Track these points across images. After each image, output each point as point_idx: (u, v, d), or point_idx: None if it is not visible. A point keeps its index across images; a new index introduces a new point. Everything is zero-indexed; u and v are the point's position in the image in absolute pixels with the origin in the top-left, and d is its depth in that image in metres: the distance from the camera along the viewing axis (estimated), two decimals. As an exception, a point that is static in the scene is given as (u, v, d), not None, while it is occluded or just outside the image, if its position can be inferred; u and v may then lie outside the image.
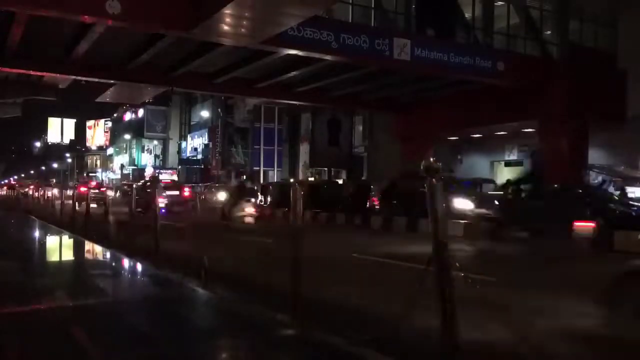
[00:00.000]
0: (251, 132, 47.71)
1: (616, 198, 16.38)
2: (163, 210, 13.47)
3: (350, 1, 20.45)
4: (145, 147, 65.71)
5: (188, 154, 57.64)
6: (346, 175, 37.77)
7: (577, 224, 12.81)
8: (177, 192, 24.87)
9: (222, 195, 35.89)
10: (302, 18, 16.23)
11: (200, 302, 6.13)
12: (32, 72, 24.34)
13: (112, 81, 26.28)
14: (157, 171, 59.59)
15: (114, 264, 9.29)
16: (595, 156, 22.97)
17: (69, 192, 18.37)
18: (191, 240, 9.12)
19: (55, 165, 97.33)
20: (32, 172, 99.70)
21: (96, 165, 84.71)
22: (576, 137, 22.53)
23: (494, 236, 13.78)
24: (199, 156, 54.65)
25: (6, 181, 75.69)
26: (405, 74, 23.31)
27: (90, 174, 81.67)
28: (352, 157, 37.51)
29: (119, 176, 67.27)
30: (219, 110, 48.91)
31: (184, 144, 59.52)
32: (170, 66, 23.68)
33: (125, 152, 71.23)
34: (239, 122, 48.62)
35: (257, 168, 46.95)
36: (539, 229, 13.88)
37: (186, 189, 26.78)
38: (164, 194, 21.07)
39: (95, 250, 10.53)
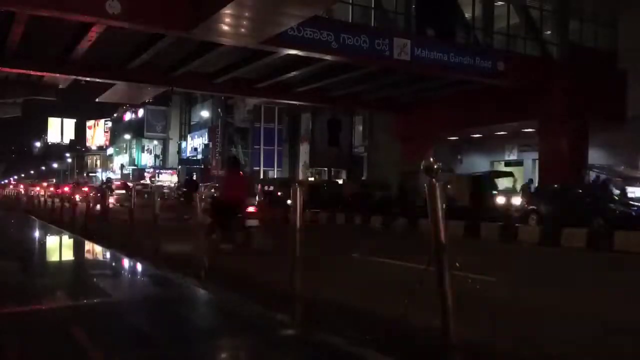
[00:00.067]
0: (251, 132, 47.71)
1: (616, 198, 16.38)
2: None
3: (350, 1, 20.45)
4: (145, 147, 65.74)
5: (188, 154, 57.65)
6: (346, 175, 37.77)
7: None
8: (124, 192, 27.62)
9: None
10: (302, 18, 16.23)
11: (200, 302, 6.13)
12: (32, 72, 24.35)
13: (112, 81, 26.29)
14: (156, 171, 59.66)
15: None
16: (595, 156, 22.97)
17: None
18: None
19: (55, 165, 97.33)
20: (32, 172, 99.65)
21: (96, 165, 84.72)
22: (576, 137, 22.54)
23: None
24: (199, 156, 54.66)
25: (6, 181, 75.68)
26: (405, 74, 23.31)
27: (90, 174, 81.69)
28: (352, 157, 37.50)
29: (119, 176, 67.27)
30: (219, 110, 48.91)
31: (184, 144, 59.53)
32: (170, 66, 23.68)
33: (125, 152, 71.25)
34: (239, 122, 48.62)
35: (257, 168, 46.94)
36: None
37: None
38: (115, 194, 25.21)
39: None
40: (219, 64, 23.43)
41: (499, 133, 28.23)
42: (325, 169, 40.71)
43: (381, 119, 34.49)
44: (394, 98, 28.98)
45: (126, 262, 8.67)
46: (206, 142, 53.04)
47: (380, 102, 29.76)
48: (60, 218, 16.59)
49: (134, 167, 66.03)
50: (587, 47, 24.01)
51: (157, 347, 4.28)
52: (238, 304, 5.85)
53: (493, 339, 4.65)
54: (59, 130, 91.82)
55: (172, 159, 61.59)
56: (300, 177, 42.06)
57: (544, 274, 9.17)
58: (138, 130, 64.77)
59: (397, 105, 29.64)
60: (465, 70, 21.44)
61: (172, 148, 62.03)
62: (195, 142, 56.86)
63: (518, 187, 21.83)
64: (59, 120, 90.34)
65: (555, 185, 18.60)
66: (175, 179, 54.48)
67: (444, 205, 3.49)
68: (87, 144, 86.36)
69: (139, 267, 8.24)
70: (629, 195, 17.86)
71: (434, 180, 3.48)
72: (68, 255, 11.19)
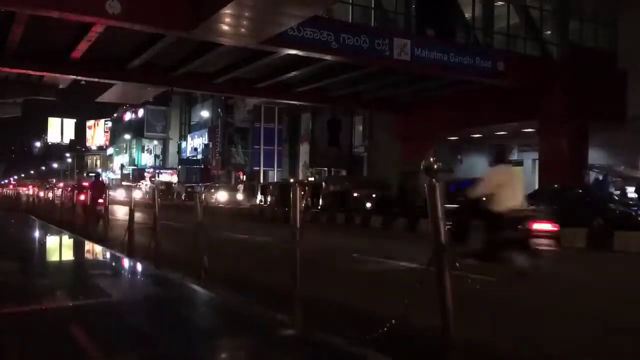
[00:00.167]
0: (251, 132, 47.73)
1: (616, 198, 16.39)
2: None
3: (350, 1, 20.47)
4: (145, 147, 65.76)
5: (188, 154, 57.68)
6: (346, 175, 37.77)
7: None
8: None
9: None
10: (302, 18, 16.23)
11: (200, 302, 6.13)
12: (32, 72, 24.36)
13: (112, 81, 26.31)
14: (156, 171, 59.68)
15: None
16: (595, 156, 22.98)
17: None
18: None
19: (55, 165, 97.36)
20: (32, 172, 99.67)
21: (96, 165, 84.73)
22: (576, 137, 22.54)
23: None
24: (199, 156, 54.68)
25: (6, 181, 75.66)
26: (405, 74, 23.31)
27: (90, 174, 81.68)
28: (352, 157, 37.51)
29: (119, 176, 67.30)
30: (219, 110, 48.93)
31: (184, 144, 59.55)
32: (170, 66, 23.69)
33: (125, 152, 71.28)
34: (239, 122, 48.65)
35: (257, 168, 46.95)
36: None
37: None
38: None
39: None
40: (219, 64, 23.44)
41: (499, 133, 28.22)
42: (325, 169, 40.73)
43: (381, 119, 34.50)
44: (394, 98, 29.00)
45: (126, 262, 8.68)
46: (206, 142, 53.06)
47: (380, 102, 29.77)
48: (56, 216, 16.65)
49: (134, 167, 66.04)
50: (587, 47, 24.02)
51: (157, 347, 4.28)
52: (238, 304, 5.85)
53: (493, 339, 4.65)
54: (59, 130, 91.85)
55: (172, 159, 61.62)
56: (301, 177, 42.07)
57: (543, 274, 9.16)
58: (138, 130, 64.80)
59: (397, 105, 29.65)
60: (465, 70, 21.45)
61: (172, 148, 62.06)
62: (195, 142, 56.87)
63: None
64: (59, 120, 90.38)
65: (555, 185, 18.61)
66: (175, 178, 54.53)
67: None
68: (87, 144, 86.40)
69: (139, 267, 8.24)
70: (629, 195, 17.87)
71: (434, 180, 3.48)
72: (68, 255, 11.19)
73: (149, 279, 7.71)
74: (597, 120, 22.66)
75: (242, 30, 16.81)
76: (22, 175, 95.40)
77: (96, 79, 25.17)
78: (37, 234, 14.78)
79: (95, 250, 10.53)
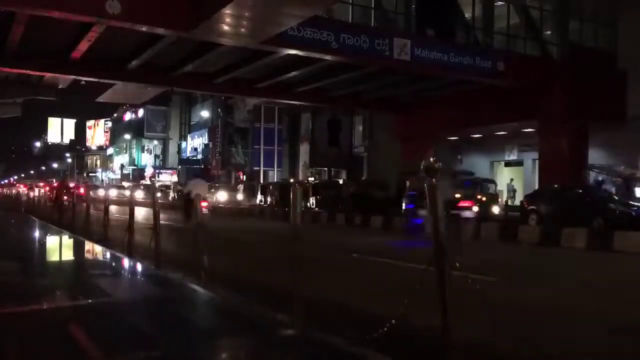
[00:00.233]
0: (251, 132, 47.72)
1: (616, 198, 16.38)
2: None
3: (350, 1, 20.45)
4: (145, 147, 65.76)
5: (188, 154, 57.67)
6: (346, 175, 37.78)
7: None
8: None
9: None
10: (302, 18, 16.23)
11: (200, 302, 6.13)
12: (32, 72, 24.36)
13: (112, 81, 26.30)
14: (157, 171, 59.67)
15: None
16: (595, 156, 22.97)
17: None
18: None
19: (55, 165, 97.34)
20: (32, 172, 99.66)
21: (96, 165, 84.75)
22: (576, 137, 22.54)
23: None
24: (199, 156, 54.67)
25: (6, 181, 75.64)
26: (405, 74, 23.31)
27: (90, 174, 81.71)
28: (352, 157, 37.51)
29: (119, 176, 67.30)
30: (219, 110, 48.93)
31: (184, 144, 59.54)
32: (170, 66, 23.68)
33: (125, 152, 71.26)
34: (239, 122, 48.64)
35: (257, 168, 46.95)
36: None
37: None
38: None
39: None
40: (219, 64, 23.43)
41: (499, 133, 28.24)
42: (325, 169, 40.72)
43: (381, 119, 34.50)
44: (394, 98, 28.99)
45: (126, 262, 8.67)
46: (206, 142, 53.05)
47: (380, 102, 29.77)
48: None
49: (134, 167, 66.03)
50: (587, 47, 24.02)
51: (157, 347, 4.28)
52: (238, 304, 5.85)
53: (493, 339, 4.65)
54: (59, 130, 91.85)
55: (172, 159, 61.61)
56: (301, 177, 42.07)
57: (543, 274, 9.17)
58: (138, 130, 64.79)
59: (397, 105, 29.65)
60: (465, 70, 21.44)
61: (172, 148, 62.04)
62: (195, 142, 56.87)
63: None
64: (59, 120, 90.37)
65: (555, 185, 18.61)
66: (175, 178, 54.51)
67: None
68: (87, 144, 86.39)
69: (139, 267, 8.24)
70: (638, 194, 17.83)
71: (434, 180, 3.48)
72: (68, 255, 11.19)
73: (149, 279, 7.71)
74: (597, 120, 22.65)
75: (242, 30, 16.81)
76: (22, 175, 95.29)
77: (96, 79, 25.16)
78: (29, 229, 14.79)
79: (95, 250, 10.53)
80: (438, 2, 21.56)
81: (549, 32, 24.42)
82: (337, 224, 19.92)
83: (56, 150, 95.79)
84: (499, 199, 21.50)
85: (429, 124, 27.65)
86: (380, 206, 21.24)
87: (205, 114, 53.70)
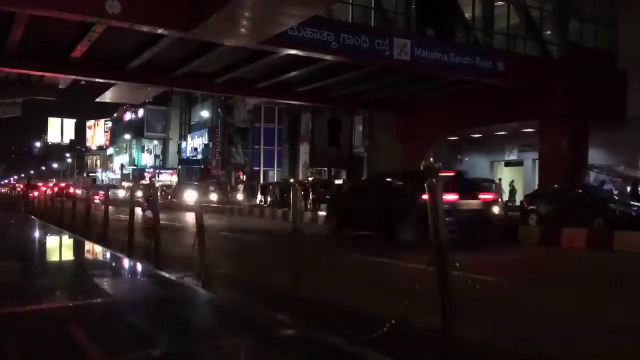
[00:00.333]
0: (251, 132, 47.70)
1: (616, 198, 16.37)
2: None
3: (350, 1, 20.45)
4: (145, 147, 65.73)
5: (188, 154, 57.64)
6: (346, 175, 37.77)
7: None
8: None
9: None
10: (302, 18, 16.23)
11: (200, 302, 6.13)
12: (32, 72, 24.36)
13: (112, 81, 26.30)
14: (157, 171, 59.66)
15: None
16: (595, 156, 22.97)
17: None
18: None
19: (55, 165, 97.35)
20: (32, 172, 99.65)
21: (96, 165, 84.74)
22: (576, 137, 22.54)
23: None
24: (199, 156, 54.64)
25: (6, 181, 75.59)
26: (405, 74, 23.30)
27: (90, 174, 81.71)
28: (352, 157, 37.50)
29: (118, 176, 67.29)
30: (219, 110, 48.91)
31: (184, 144, 59.52)
32: (170, 66, 23.68)
33: (125, 152, 71.24)
34: (239, 122, 48.62)
35: (257, 168, 46.94)
36: None
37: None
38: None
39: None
40: (219, 64, 23.43)
41: (499, 133, 28.24)
42: (325, 169, 40.71)
43: (381, 119, 34.50)
44: (394, 98, 28.98)
45: (126, 262, 8.67)
46: (206, 142, 53.02)
47: (380, 102, 29.76)
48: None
49: (134, 167, 66.02)
50: (587, 47, 24.01)
51: (157, 347, 4.28)
52: (238, 304, 5.85)
53: (493, 339, 4.66)
54: (59, 130, 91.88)
55: (172, 159, 61.58)
56: (301, 177, 42.07)
57: (544, 274, 9.17)
58: (138, 130, 64.77)
59: (397, 105, 29.65)
60: (465, 70, 21.44)
61: (172, 148, 62.01)
62: (195, 142, 56.84)
63: None
64: (59, 120, 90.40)
65: (555, 185, 18.60)
66: (175, 178, 54.49)
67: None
68: (87, 144, 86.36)
69: (139, 267, 8.24)
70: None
71: (434, 180, 3.48)
72: (68, 255, 11.19)
73: (149, 279, 7.71)
74: (597, 120, 22.65)
75: (242, 30, 16.81)
76: (22, 175, 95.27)
77: (96, 79, 25.17)
78: (29, 229, 14.79)
79: (95, 250, 10.53)
80: (438, 2, 21.55)
81: (549, 32, 24.42)
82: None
83: (56, 150, 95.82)
84: (499, 199, 21.47)
85: (429, 124, 27.64)
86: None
87: (205, 114, 53.67)
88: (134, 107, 62.65)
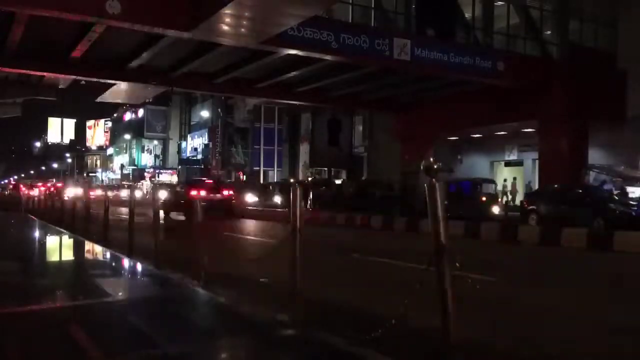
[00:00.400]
0: (251, 132, 47.72)
1: (616, 198, 16.38)
2: None
3: (350, 1, 20.46)
4: (145, 147, 65.73)
5: (188, 154, 57.64)
6: (346, 175, 37.77)
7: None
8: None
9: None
10: (302, 18, 16.24)
11: (200, 302, 6.13)
12: (32, 72, 24.37)
13: (112, 81, 26.31)
14: (156, 171, 59.68)
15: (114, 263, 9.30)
16: (595, 156, 22.98)
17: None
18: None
19: (55, 165, 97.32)
20: (32, 172, 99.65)
21: (96, 165, 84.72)
22: (576, 137, 22.55)
23: None
24: (199, 156, 54.64)
25: (6, 181, 75.59)
26: (405, 74, 23.31)
27: (90, 174, 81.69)
28: (352, 157, 37.51)
29: (119, 176, 67.28)
30: (219, 110, 48.91)
31: (184, 144, 59.52)
32: (170, 66, 23.69)
33: (125, 152, 71.24)
34: (239, 122, 48.63)
35: (257, 168, 46.94)
36: None
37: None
38: None
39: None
40: (219, 64, 23.44)
41: (499, 133, 28.24)
42: (325, 169, 40.72)
43: (381, 119, 34.50)
44: (394, 98, 28.99)
45: (126, 262, 8.67)
46: (206, 142, 53.02)
47: (380, 102, 29.77)
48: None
49: (134, 167, 66.01)
50: (587, 47, 24.03)
51: (157, 347, 4.28)
52: (238, 304, 5.85)
53: (493, 339, 4.65)
54: (59, 130, 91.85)
55: (172, 159, 61.57)
56: (300, 177, 42.07)
57: (544, 274, 9.17)
58: (138, 130, 64.76)
59: (397, 105, 29.65)
60: (465, 70, 21.45)
61: (172, 148, 62.00)
62: (195, 142, 56.84)
63: None
64: (59, 120, 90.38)
65: (555, 185, 18.61)
66: (175, 178, 54.50)
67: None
68: (87, 144, 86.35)
69: (139, 267, 8.24)
70: (629, 195, 17.87)
71: (434, 180, 3.48)
72: (68, 255, 11.20)
73: (149, 279, 7.71)
74: (597, 120, 22.66)
75: (242, 30, 16.82)
76: (22, 175, 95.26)
77: (96, 79, 25.17)
78: (29, 229, 14.80)
79: (95, 250, 10.54)
80: (438, 2, 21.56)
81: (549, 32, 24.44)
82: (337, 224, 19.91)
83: (56, 150, 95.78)
84: (499, 199, 21.50)
85: (429, 124, 27.65)
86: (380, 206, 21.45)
87: (205, 114, 53.68)
88: (134, 107, 62.63)
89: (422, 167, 3.51)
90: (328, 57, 20.12)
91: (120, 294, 6.63)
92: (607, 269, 10.06)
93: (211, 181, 25.00)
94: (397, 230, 17.02)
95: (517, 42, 23.65)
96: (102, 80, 25.96)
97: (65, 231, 13.53)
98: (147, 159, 65.70)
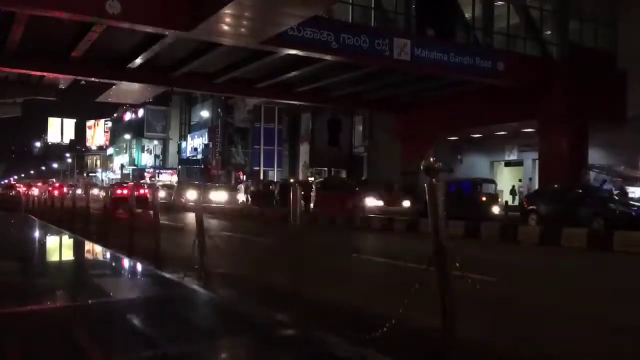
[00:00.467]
0: (251, 132, 47.73)
1: (616, 198, 16.38)
2: None
3: (350, 1, 20.47)
4: (145, 147, 65.73)
5: (188, 154, 57.65)
6: (346, 175, 37.78)
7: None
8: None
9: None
10: (302, 18, 16.24)
11: (200, 302, 6.13)
12: (32, 72, 24.38)
13: (112, 81, 26.33)
14: (156, 171, 59.68)
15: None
16: (595, 156, 22.98)
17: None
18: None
19: (55, 165, 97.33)
20: (32, 172, 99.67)
21: (96, 165, 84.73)
22: (576, 137, 22.55)
23: None
24: (199, 156, 54.65)
25: (6, 181, 75.56)
26: (405, 74, 23.32)
27: (90, 174, 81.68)
28: (352, 157, 37.51)
29: (119, 176, 67.30)
30: (219, 110, 48.92)
31: (184, 144, 59.53)
32: (170, 66, 23.70)
33: (125, 152, 71.24)
34: (239, 122, 48.64)
35: (257, 168, 46.95)
36: None
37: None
38: None
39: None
40: (219, 64, 23.45)
41: (499, 133, 28.24)
42: (325, 169, 40.73)
43: (381, 119, 34.51)
44: (394, 98, 29.00)
45: (126, 262, 8.67)
46: (206, 142, 53.04)
47: (380, 102, 29.78)
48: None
49: (134, 167, 66.01)
50: (587, 47, 24.03)
51: (157, 347, 4.28)
52: (238, 303, 5.85)
53: (493, 339, 4.65)
54: (59, 130, 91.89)
55: (172, 159, 61.58)
56: (300, 177, 42.08)
57: (544, 274, 9.17)
58: (138, 130, 64.76)
59: (397, 105, 29.66)
60: (465, 70, 21.45)
61: (172, 148, 62.01)
62: (195, 142, 56.85)
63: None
64: (59, 120, 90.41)
65: (555, 185, 18.61)
66: (175, 178, 54.51)
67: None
68: (87, 144, 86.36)
69: (139, 267, 8.24)
70: (629, 195, 17.87)
71: (434, 180, 3.48)
72: (68, 255, 11.19)
73: (149, 279, 7.71)
74: (597, 120, 22.66)
75: (242, 30, 16.82)
76: (22, 175, 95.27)
77: (96, 79, 25.18)
78: (29, 229, 14.81)
79: (95, 250, 10.53)
80: (438, 2, 21.58)
81: (549, 32, 24.44)
82: (337, 224, 19.91)
83: (56, 150, 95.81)
84: (499, 199, 21.50)
85: (429, 124, 27.65)
86: None
87: (205, 114, 53.69)
88: (134, 107, 62.65)
89: (422, 167, 3.51)
90: (328, 57, 20.13)
91: (120, 294, 6.62)
92: (607, 269, 10.06)
93: (130, 183, 30.24)
94: (397, 230, 17.02)
95: (517, 42, 23.66)
96: (102, 80, 25.97)
97: (65, 231, 13.53)
98: (147, 159, 65.70)
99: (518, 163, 29.91)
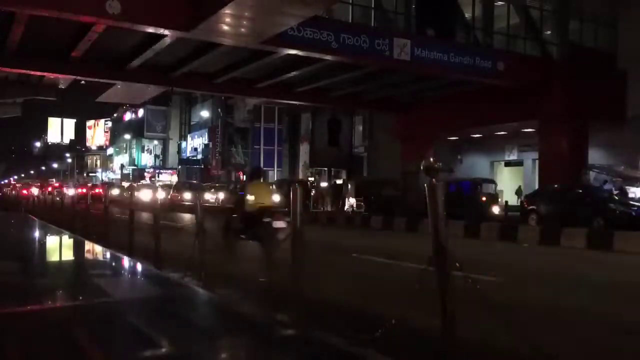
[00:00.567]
0: (251, 132, 47.71)
1: (616, 198, 16.40)
2: None
3: (350, 1, 20.46)
4: (145, 147, 65.71)
5: (188, 154, 57.62)
6: (346, 175, 37.75)
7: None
8: None
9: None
10: (302, 18, 16.23)
11: (200, 302, 6.13)
12: (32, 72, 24.37)
13: (112, 81, 26.33)
14: (156, 171, 59.68)
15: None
16: (595, 156, 22.97)
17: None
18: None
19: (55, 165, 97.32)
20: (32, 172, 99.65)
21: (96, 165, 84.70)
22: (576, 137, 22.54)
23: None
24: (199, 156, 54.63)
25: (6, 181, 75.58)
26: (405, 74, 23.30)
27: (90, 174, 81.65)
28: (352, 157, 37.49)
29: (119, 176, 67.28)
30: (219, 110, 48.91)
31: (184, 144, 59.51)
32: (170, 66, 23.68)
33: (125, 152, 71.23)
34: (239, 122, 48.62)
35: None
36: None
37: None
38: None
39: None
40: (219, 64, 23.43)
41: (499, 133, 28.23)
42: (325, 169, 40.71)
43: (381, 119, 34.50)
44: (394, 98, 28.98)
45: (126, 262, 8.67)
46: (206, 142, 53.02)
47: (380, 102, 29.77)
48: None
49: (134, 167, 66.00)
50: (587, 47, 24.02)
51: (157, 347, 4.28)
52: (238, 303, 5.85)
53: (493, 339, 4.65)
54: (59, 130, 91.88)
55: (172, 159, 61.56)
56: (300, 177, 42.07)
57: (543, 274, 9.17)
58: (138, 130, 64.74)
59: (397, 105, 29.65)
60: (465, 70, 21.45)
61: (172, 148, 62.00)
62: (195, 142, 56.84)
63: None
64: (59, 120, 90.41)
65: (555, 186, 18.62)
66: (175, 178, 54.49)
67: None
68: (87, 144, 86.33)
69: (139, 267, 8.24)
70: (629, 195, 17.88)
71: (434, 180, 3.48)
72: (68, 255, 11.19)
73: (149, 279, 7.71)
74: (597, 120, 22.66)
75: (242, 30, 16.81)
76: (22, 175, 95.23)
77: (96, 79, 25.18)
78: (29, 229, 14.81)
79: (95, 250, 10.53)
80: (438, 2, 21.56)
81: (549, 32, 24.43)
82: (337, 224, 19.94)
83: (56, 150, 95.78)
84: (499, 199, 21.52)
85: (429, 124, 27.64)
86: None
87: (205, 114, 53.67)
88: (134, 107, 62.65)
89: (422, 167, 3.51)
90: (328, 57, 20.12)
91: (120, 294, 6.62)
92: (607, 269, 10.06)
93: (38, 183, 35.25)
94: (396, 230, 17.03)
95: (517, 42, 23.65)
96: (102, 80, 25.97)
97: (65, 231, 13.53)
98: (147, 159, 65.69)
99: (518, 163, 29.90)
